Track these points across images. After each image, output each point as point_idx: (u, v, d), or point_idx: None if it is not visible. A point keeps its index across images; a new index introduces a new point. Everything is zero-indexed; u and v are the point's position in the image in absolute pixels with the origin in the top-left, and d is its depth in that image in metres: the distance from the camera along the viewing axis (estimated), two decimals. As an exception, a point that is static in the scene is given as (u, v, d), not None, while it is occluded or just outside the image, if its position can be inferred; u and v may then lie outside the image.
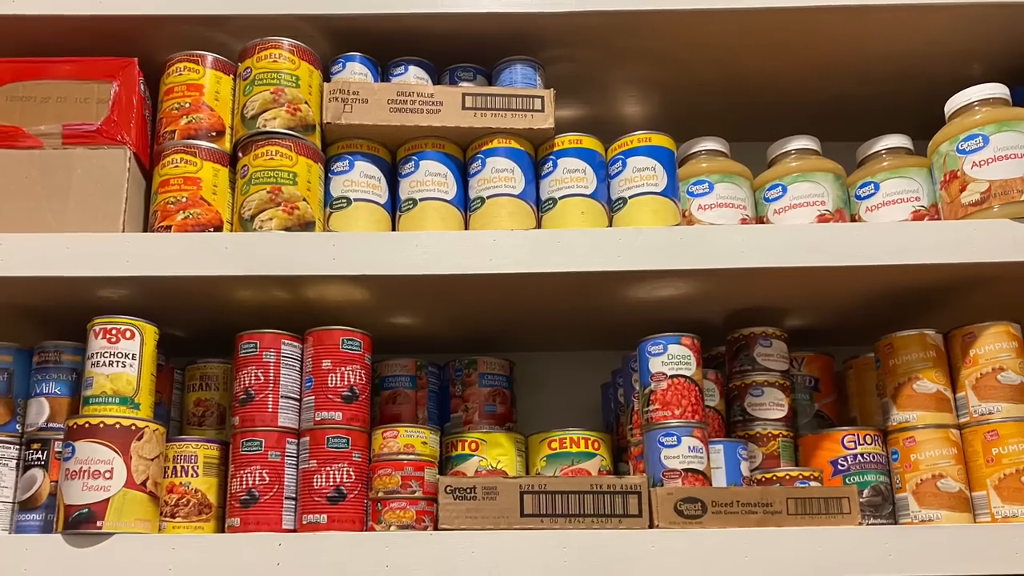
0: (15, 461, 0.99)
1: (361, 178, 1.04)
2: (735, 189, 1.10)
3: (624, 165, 1.06)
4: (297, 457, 0.97)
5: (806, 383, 1.18)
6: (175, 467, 0.97)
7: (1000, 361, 1.00)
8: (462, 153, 1.07)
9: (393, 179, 1.07)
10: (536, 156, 1.08)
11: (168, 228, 0.99)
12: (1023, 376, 1.00)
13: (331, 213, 1.03)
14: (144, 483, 0.91)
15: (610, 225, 1.05)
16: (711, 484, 0.96)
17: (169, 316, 1.04)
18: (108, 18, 1.04)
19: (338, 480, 0.94)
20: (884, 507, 1.02)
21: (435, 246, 0.96)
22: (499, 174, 1.04)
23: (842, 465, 1.04)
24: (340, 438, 0.96)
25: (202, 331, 1.12)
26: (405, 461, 0.96)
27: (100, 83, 1.03)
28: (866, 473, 1.03)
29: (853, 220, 1.09)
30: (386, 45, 1.09)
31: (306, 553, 0.88)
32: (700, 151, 1.13)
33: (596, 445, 1.04)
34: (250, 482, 0.94)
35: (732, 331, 1.13)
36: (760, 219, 1.11)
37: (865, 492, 1.02)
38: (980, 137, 1.01)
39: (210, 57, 1.07)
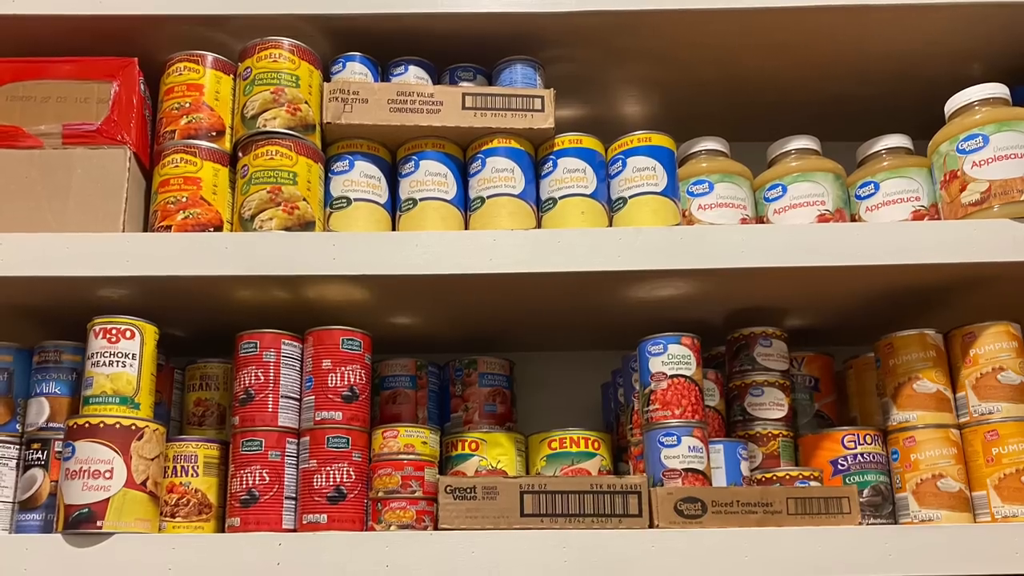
0: (15, 461, 0.99)
1: (361, 178, 1.04)
2: (735, 189, 1.10)
3: (624, 165, 1.06)
4: (297, 457, 0.97)
5: (806, 383, 1.18)
6: (175, 467, 0.97)
7: (1000, 361, 1.01)
8: (462, 153, 1.07)
9: (393, 179, 1.07)
10: (536, 156, 1.08)
11: (168, 228, 0.99)
12: (1023, 376, 1.00)
13: (331, 213, 1.03)
14: (144, 483, 0.91)
15: (610, 225, 1.05)
16: (711, 484, 0.96)
17: (169, 316, 1.04)
18: (108, 18, 1.04)
19: (338, 480, 0.94)
20: (884, 507, 1.02)
21: (435, 246, 0.96)
22: (499, 174, 1.04)
23: (842, 465, 1.04)
24: (340, 438, 0.96)
25: (202, 331, 1.12)
26: (405, 461, 0.96)
27: (100, 83, 1.03)
28: (866, 473, 1.03)
29: (853, 220, 1.10)
30: (386, 45, 1.09)
31: (306, 553, 0.88)
32: (700, 151, 1.14)
33: (596, 445, 1.04)
34: (250, 482, 0.94)
35: (732, 331, 1.13)
36: (760, 219, 1.11)
37: (865, 492, 1.02)
38: (980, 137, 1.01)
39: (210, 57, 1.07)
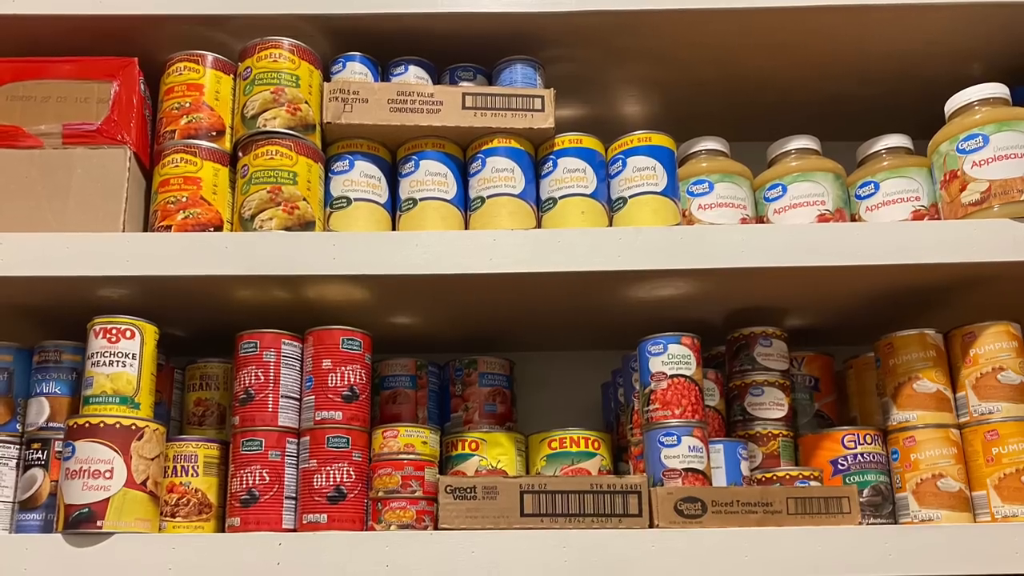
0: (15, 461, 0.99)
1: (361, 178, 1.04)
2: (735, 189, 1.10)
3: (624, 165, 1.06)
4: (297, 457, 0.97)
5: (806, 383, 1.18)
6: (175, 467, 0.97)
7: (1000, 361, 1.01)
8: (462, 153, 1.07)
9: (393, 179, 1.07)
10: (536, 156, 1.08)
11: (168, 228, 0.99)
12: (1023, 376, 1.00)
13: (331, 213, 1.03)
14: (144, 483, 0.91)
15: (610, 225, 1.05)
16: (711, 484, 0.96)
17: (169, 316, 1.04)
18: (108, 18, 1.04)
19: (338, 480, 0.94)
20: (884, 507, 1.02)
21: (435, 246, 0.96)
22: (499, 174, 1.04)
23: (842, 465, 1.04)
24: (340, 438, 0.96)
25: (202, 331, 1.12)
26: (405, 461, 0.96)
27: (100, 83, 1.03)
28: (866, 473, 1.03)
29: (853, 220, 1.10)
30: (386, 45, 1.09)
31: (306, 553, 0.88)
32: (700, 151, 1.14)
33: (596, 445, 1.04)
34: (250, 482, 0.94)
35: (732, 331, 1.13)
36: (760, 219, 1.11)
37: (865, 492, 1.02)
38: (980, 137, 1.01)
39: (210, 57, 1.07)
